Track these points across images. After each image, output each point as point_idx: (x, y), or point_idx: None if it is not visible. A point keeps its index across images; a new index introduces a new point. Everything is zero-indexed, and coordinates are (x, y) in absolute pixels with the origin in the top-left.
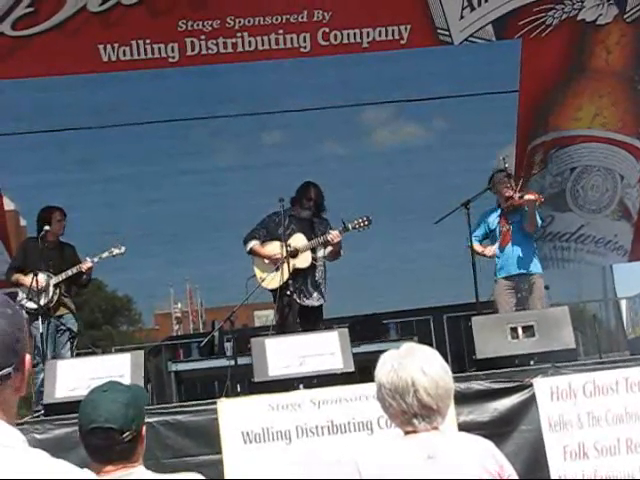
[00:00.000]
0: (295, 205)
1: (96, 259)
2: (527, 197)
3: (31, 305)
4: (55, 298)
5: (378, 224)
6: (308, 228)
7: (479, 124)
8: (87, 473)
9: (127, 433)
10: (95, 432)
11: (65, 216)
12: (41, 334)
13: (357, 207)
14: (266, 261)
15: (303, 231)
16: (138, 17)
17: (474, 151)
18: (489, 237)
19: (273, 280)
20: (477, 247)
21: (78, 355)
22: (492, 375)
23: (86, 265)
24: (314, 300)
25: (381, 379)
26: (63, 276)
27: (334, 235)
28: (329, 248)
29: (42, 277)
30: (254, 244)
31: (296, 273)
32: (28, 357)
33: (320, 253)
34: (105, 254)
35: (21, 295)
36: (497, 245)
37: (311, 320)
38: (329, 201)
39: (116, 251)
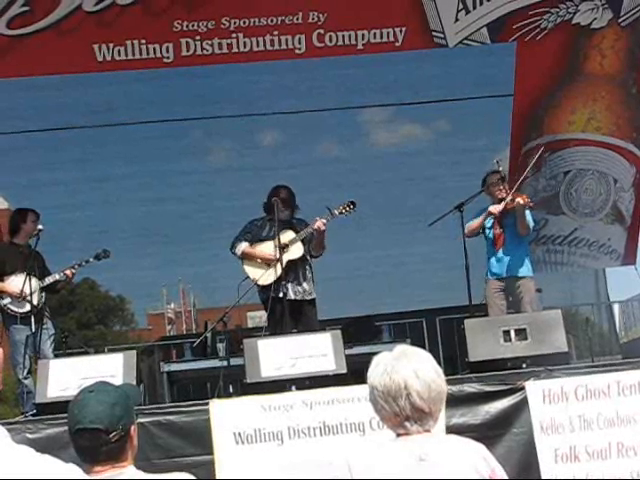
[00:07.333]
0: (270, 210)
1: (76, 266)
2: (517, 200)
3: (18, 309)
4: (42, 301)
5: (372, 226)
6: (289, 228)
7: (474, 127)
8: (72, 467)
9: (114, 433)
10: (81, 433)
11: (38, 218)
12: (27, 337)
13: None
14: (259, 260)
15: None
16: (133, 17)
17: (469, 155)
18: (481, 236)
19: (268, 277)
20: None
21: (71, 355)
22: (484, 378)
23: (70, 271)
24: (307, 293)
25: (374, 382)
26: (50, 279)
27: (320, 223)
28: (314, 241)
29: (32, 280)
30: (244, 246)
31: (289, 266)
32: (0, 351)
33: (306, 248)
34: (86, 260)
35: (7, 299)
36: (490, 246)
37: (304, 316)
38: (324, 203)
39: (100, 255)
